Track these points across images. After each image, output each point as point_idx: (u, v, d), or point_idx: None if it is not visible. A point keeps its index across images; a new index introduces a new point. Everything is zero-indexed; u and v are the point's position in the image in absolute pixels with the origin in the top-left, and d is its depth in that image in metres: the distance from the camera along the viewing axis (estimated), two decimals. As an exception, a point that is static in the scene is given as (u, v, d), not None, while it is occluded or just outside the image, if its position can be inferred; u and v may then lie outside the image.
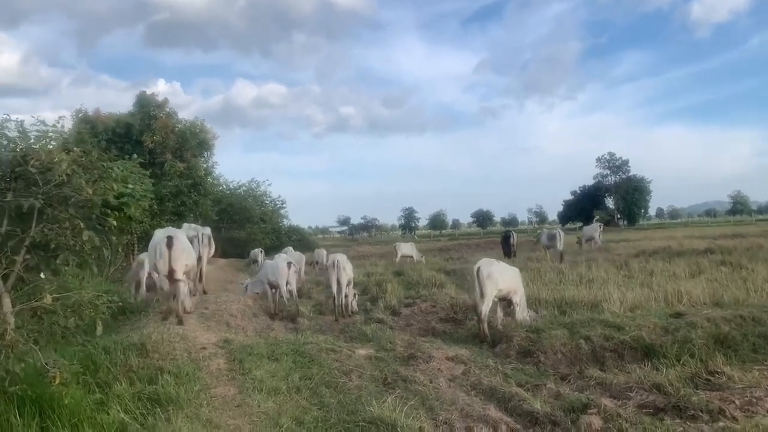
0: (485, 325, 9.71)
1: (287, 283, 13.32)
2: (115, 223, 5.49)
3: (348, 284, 13.15)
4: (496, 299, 10.06)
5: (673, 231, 53.36)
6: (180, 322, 9.35)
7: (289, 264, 13.45)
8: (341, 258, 13.06)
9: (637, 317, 9.27)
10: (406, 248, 27.48)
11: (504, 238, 29.10)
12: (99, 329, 5.43)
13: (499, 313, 10.48)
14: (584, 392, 6.83)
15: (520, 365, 8.12)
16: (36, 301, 5.02)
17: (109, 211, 5.72)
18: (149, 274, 12.46)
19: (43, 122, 5.77)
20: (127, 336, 7.59)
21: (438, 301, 13.60)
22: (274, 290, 13.90)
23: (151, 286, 12.66)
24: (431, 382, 7.06)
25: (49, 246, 5.16)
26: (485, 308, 9.68)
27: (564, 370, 7.87)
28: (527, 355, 8.46)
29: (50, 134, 5.74)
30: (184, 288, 10.33)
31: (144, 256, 13.08)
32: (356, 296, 14.03)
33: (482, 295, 9.75)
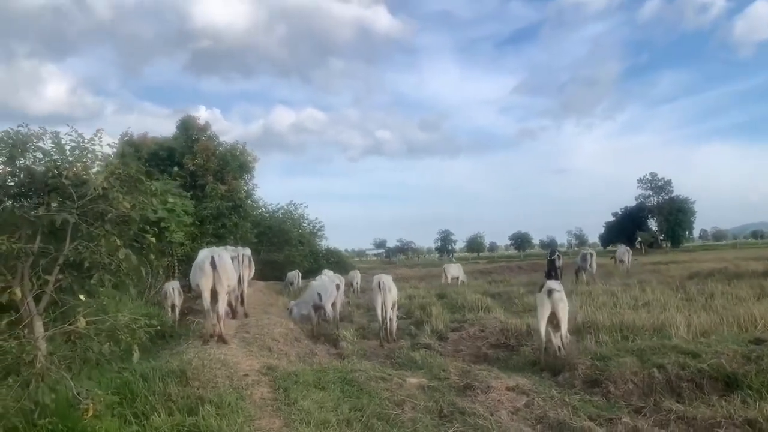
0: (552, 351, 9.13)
1: (333, 304, 12.88)
2: (154, 240, 5.05)
3: (393, 307, 12.57)
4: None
5: (723, 252, 51.46)
6: (223, 341, 9.06)
7: (337, 285, 13.01)
8: (386, 279, 12.49)
9: (712, 343, 8.45)
10: (455, 270, 27.14)
11: (549, 260, 28.07)
12: (136, 356, 4.99)
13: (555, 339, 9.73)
14: (665, 428, 6.14)
15: (587, 396, 7.39)
16: (69, 324, 4.62)
17: (148, 228, 5.25)
18: (173, 305, 12.99)
19: (80, 135, 5.44)
20: (166, 362, 7.17)
21: (487, 326, 12.95)
22: (317, 312, 13.47)
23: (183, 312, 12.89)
24: (492, 415, 6.45)
25: (83, 265, 4.77)
26: (563, 331, 9.17)
27: (637, 402, 7.12)
28: (594, 384, 7.73)
29: (86, 145, 5.38)
30: (223, 308, 10.14)
31: (168, 286, 13.22)
32: (397, 318, 13.44)
33: (560, 319, 9.16)
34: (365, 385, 7.19)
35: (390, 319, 12.50)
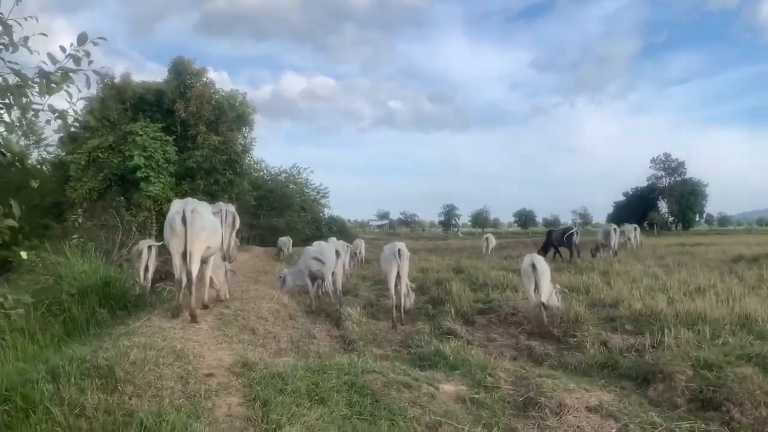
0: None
1: (333, 274, 10.69)
2: (35, 180, 2.72)
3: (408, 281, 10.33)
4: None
5: (739, 237, 49.05)
6: (194, 320, 6.91)
7: (337, 252, 10.78)
8: (402, 247, 10.22)
9: None
10: (494, 240, 27.06)
11: (567, 236, 25.66)
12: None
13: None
14: None
15: (700, 422, 5.12)
16: None
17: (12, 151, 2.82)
18: (146, 267, 11.08)
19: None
20: (94, 352, 4.90)
21: (519, 309, 10.71)
22: (315, 283, 11.28)
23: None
24: (575, 454, 4.24)
25: None
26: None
27: (778, 438, 4.89)
28: (706, 405, 5.44)
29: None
30: (207, 274, 8.05)
31: (144, 244, 11.25)
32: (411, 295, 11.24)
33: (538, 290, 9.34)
34: (382, 396, 4.94)
35: (405, 296, 10.29)
